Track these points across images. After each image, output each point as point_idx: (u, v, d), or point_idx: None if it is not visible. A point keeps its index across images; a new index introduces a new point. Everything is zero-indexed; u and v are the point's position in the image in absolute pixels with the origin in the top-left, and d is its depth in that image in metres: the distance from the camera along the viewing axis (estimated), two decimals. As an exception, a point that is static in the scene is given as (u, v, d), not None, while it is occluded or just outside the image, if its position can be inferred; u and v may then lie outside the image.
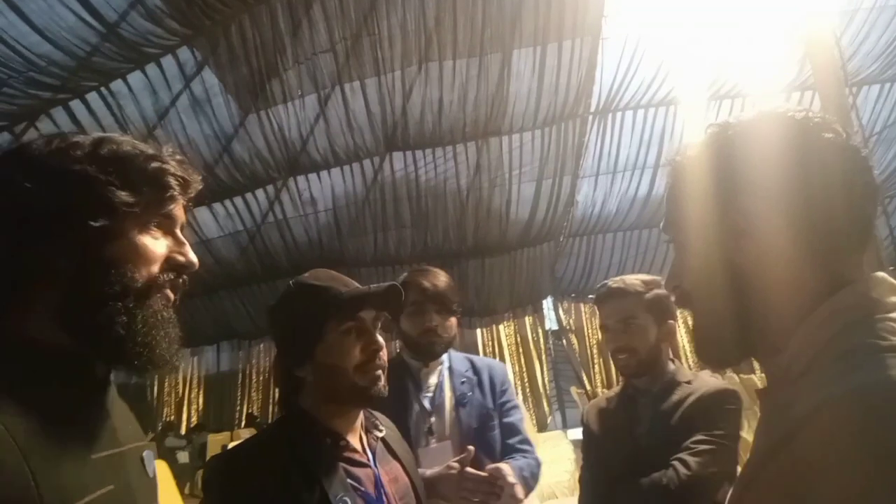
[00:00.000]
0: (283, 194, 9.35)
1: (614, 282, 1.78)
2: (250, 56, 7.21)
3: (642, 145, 9.79)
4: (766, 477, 0.62)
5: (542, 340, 11.49)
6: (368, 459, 1.37)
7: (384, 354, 1.34)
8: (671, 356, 1.80)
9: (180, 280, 0.88)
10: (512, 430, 1.98)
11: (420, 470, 1.58)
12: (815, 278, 0.66)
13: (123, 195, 0.79)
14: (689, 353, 9.89)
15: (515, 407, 2.03)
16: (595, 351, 11.48)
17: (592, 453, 1.82)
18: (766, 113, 0.72)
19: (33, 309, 0.76)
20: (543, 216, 9.90)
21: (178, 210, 0.87)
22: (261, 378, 12.36)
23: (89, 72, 6.51)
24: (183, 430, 11.32)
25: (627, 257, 11.17)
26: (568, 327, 11.60)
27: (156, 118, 7.49)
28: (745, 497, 0.66)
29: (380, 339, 1.34)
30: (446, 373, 2.01)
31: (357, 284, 1.36)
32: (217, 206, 9.21)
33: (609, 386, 10.64)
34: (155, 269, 0.83)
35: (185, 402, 12.28)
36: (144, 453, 0.88)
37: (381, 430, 1.44)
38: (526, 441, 1.97)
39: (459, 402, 1.95)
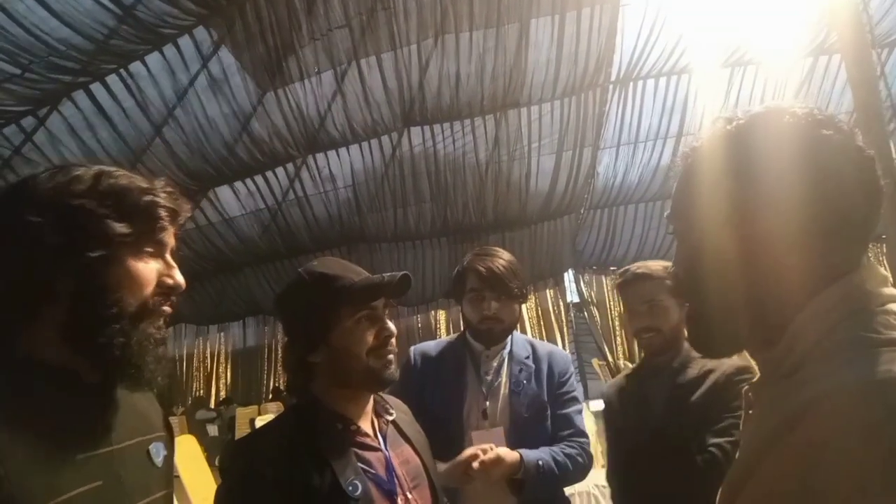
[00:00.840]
0: (303, 172, 9.37)
1: (638, 267, 1.89)
2: (266, 34, 7.18)
3: (664, 114, 9.57)
4: (763, 473, 0.62)
5: (563, 313, 11.49)
6: (379, 443, 1.41)
7: (394, 341, 1.39)
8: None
9: (170, 301, 0.98)
10: (565, 421, 1.96)
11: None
12: (809, 273, 0.66)
13: (119, 227, 0.89)
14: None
15: (573, 399, 2.00)
16: (617, 323, 11.44)
17: (616, 428, 1.92)
18: (772, 108, 0.72)
19: (37, 328, 0.87)
20: (564, 188, 9.80)
21: (167, 237, 0.98)
22: (286, 353, 12.55)
23: (108, 55, 6.55)
24: (212, 404, 11.62)
25: (650, 228, 11.03)
26: (589, 300, 11.57)
27: (175, 99, 7.52)
28: (741, 492, 0.66)
29: (391, 325, 1.39)
30: (506, 357, 2.01)
31: (367, 273, 1.39)
32: (238, 185, 9.28)
33: (631, 357, 10.64)
34: (147, 292, 0.93)
35: (214, 376, 12.57)
36: (151, 446, 0.99)
37: (391, 414, 1.47)
38: (578, 433, 1.94)
39: (514, 389, 1.95)
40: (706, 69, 8.50)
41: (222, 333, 12.67)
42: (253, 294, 11.46)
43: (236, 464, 1.31)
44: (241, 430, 8.58)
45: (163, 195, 0.97)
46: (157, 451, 1.00)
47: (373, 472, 1.35)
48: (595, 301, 11.54)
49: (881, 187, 0.67)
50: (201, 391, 12.47)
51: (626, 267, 1.95)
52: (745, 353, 0.85)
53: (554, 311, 11.33)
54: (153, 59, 7.02)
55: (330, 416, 1.36)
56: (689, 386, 1.75)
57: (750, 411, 0.78)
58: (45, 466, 0.80)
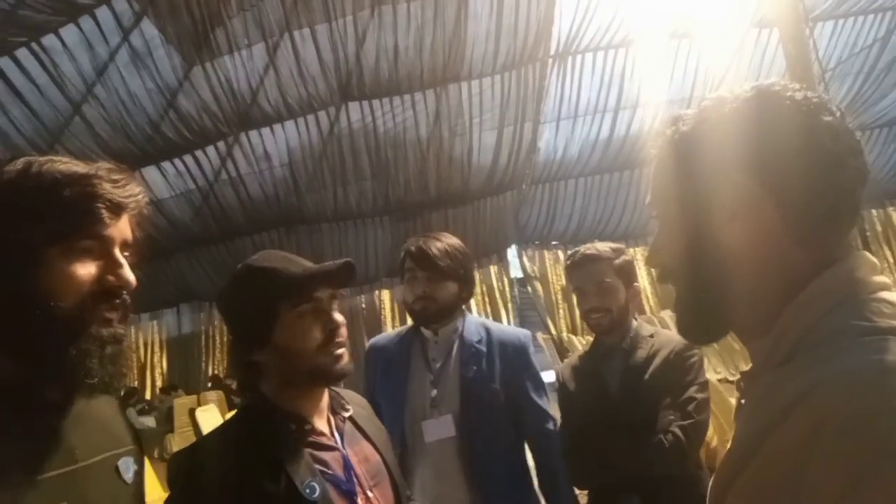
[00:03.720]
0: (236, 150, 9.02)
1: (587, 248, 1.91)
2: (191, 4, 6.80)
3: (602, 88, 9.71)
4: (757, 463, 0.61)
5: (507, 289, 11.59)
6: (336, 442, 1.33)
7: (344, 332, 1.30)
8: (635, 315, 1.96)
9: (118, 300, 0.90)
10: (531, 408, 1.91)
11: None
12: (802, 260, 0.66)
13: (44, 227, 0.82)
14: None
15: (532, 383, 1.94)
16: (559, 297, 11.64)
17: (571, 409, 1.91)
18: (763, 91, 0.70)
19: None
20: (506, 164, 9.81)
21: (112, 230, 0.88)
22: (224, 339, 12.26)
23: (16, 26, 6.05)
24: (148, 395, 11.20)
25: (590, 202, 11.24)
26: (532, 274, 11.70)
27: (94, 75, 7.04)
28: (735, 481, 0.64)
29: (338, 316, 1.30)
30: (457, 342, 1.94)
31: (310, 264, 1.29)
32: (166, 165, 8.84)
33: (574, 331, 10.87)
34: (84, 295, 0.85)
35: (149, 367, 12.10)
36: (120, 461, 0.93)
37: (347, 410, 1.38)
38: (541, 419, 1.91)
39: (464, 375, 1.88)
40: (644, 42, 8.61)
41: (155, 321, 12.18)
42: (187, 279, 11.05)
43: (183, 474, 1.20)
44: (181, 421, 8.33)
45: (106, 184, 0.88)
46: (127, 467, 0.94)
47: (330, 472, 1.27)
48: (538, 276, 11.67)
49: (868, 171, 0.68)
50: (135, 381, 11.98)
51: (576, 249, 1.96)
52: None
53: (498, 287, 11.40)
54: (69, 31, 6.54)
55: (282, 416, 1.27)
56: (642, 365, 1.80)
57: (742, 401, 0.75)
58: (5, 489, 0.76)
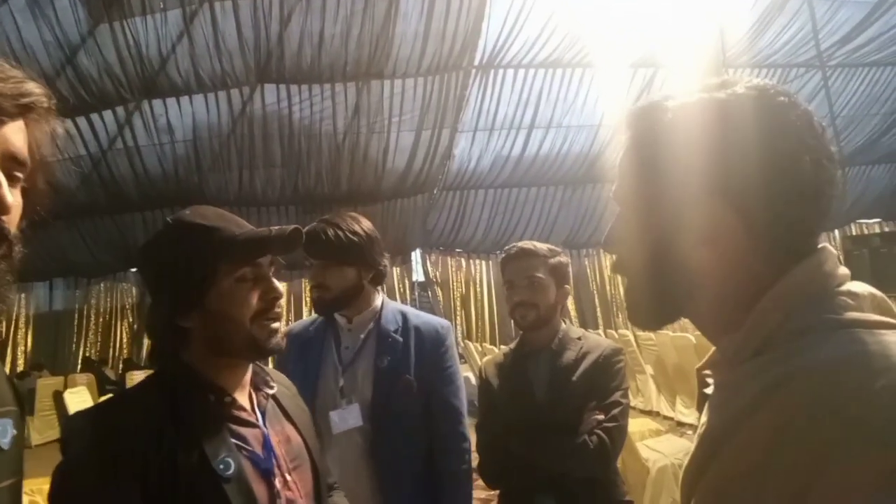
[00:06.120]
0: (136, 118, 8.43)
1: (524, 244, 1.93)
2: (104, -46, 6.30)
3: (520, 105, 9.97)
4: (726, 454, 0.61)
5: (407, 291, 11.58)
6: (257, 419, 1.23)
7: (282, 303, 1.21)
8: (564, 318, 1.97)
9: None
10: (441, 404, 1.84)
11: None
12: (770, 257, 0.66)
13: None
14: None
15: (448, 376, 1.87)
16: (458, 303, 11.78)
17: (492, 406, 1.89)
18: (756, 87, 0.68)
19: None
20: (420, 167, 9.83)
21: None
22: (100, 320, 11.40)
23: None
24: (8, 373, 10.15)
25: (496, 214, 11.48)
26: (434, 279, 11.77)
27: (-21, 14, 6.35)
28: (705, 473, 0.64)
29: (278, 286, 1.21)
30: (373, 330, 1.86)
31: (250, 226, 1.20)
32: (55, 125, 8.09)
33: (469, 336, 11.03)
34: None
35: (11, 343, 10.99)
36: None
37: (271, 388, 1.29)
38: (454, 421, 1.83)
39: (377, 364, 1.81)
40: (565, 65, 8.94)
41: (23, 294, 11.08)
42: (65, 251, 10.15)
43: (83, 438, 1.06)
44: (42, 404, 7.66)
45: None
46: (4, 431, 0.79)
47: (249, 449, 1.17)
48: (439, 281, 11.76)
49: (836, 162, 0.68)
50: (-8, 359, 10.86)
51: (514, 244, 1.96)
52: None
53: (399, 289, 11.37)
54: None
55: (201, 385, 1.16)
56: (570, 366, 1.81)
57: (706, 390, 0.77)
58: None
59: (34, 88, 0.73)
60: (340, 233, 1.79)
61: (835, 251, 0.68)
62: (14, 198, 0.71)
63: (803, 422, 0.53)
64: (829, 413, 0.52)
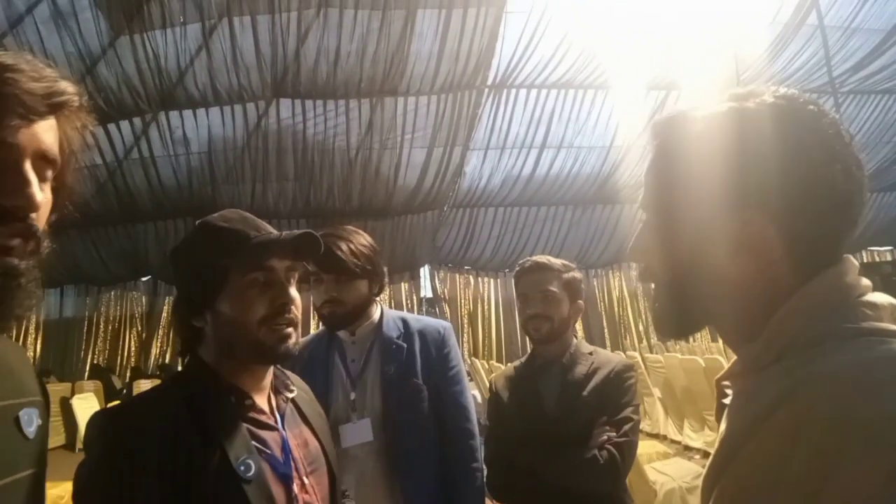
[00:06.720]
0: (152, 129, 8.54)
1: (538, 258, 1.94)
2: (128, -31, 6.43)
3: (532, 125, 10.03)
4: (743, 458, 0.61)
5: (415, 307, 11.59)
6: (276, 422, 1.23)
7: (295, 309, 1.19)
8: (575, 333, 1.97)
9: (21, 225, 0.69)
10: (452, 406, 1.85)
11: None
12: (798, 266, 0.66)
13: None
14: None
15: (454, 376, 1.86)
16: (466, 320, 11.76)
17: (501, 418, 1.89)
18: (783, 95, 0.69)
19: None
20: (431, 184, 9.88)
21: (21, 136, 0.68)
22: (109, 328, 11.45)
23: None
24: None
25: (505, 232, 11.50)
26: (442, 296, 11.77)
27: (6, 25, 6.47)
28: (722, 476, 0.65)
29: (292, 292, 1.19)
30: (376, 340, 1.86)
31: (272, 230, 1.20)
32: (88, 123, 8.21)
33: (476, 353, 10.98)
34: None
35: (19, 348, 11.05)
36: (22, 412, 0.76)
37: (291, 391, 1.30)
38: (462, 419, 1.82)
39: (385, 374, 1.80)
40: (577, 86, 9.01)
41: (34, 300, 11.16)
42: (77, 260, 10.23)
43: (105, 437, 1.07)
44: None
45: (25, 78, 0.68)
46: (30, 420, 0.78)
47: (268, 452, 1.17)
48: (447, 297, 11.77)
49: (863, 176, 0.67)
50: (0, 364, 10.87)
51: (528, 257, 1.97)
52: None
53: (407, 304, 11.38)
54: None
55: (222, 386, 1.16)
56: (581, 381, 1.80)
57: (725, 401, 0.75)
58: None
59: (67, 87, 0.72)
60: (353, 247, 1.80)
61: (856, 262, 0.67)
62: (44, 195, 0.72)
63: (816, 426, 0.54)
64: (841, 417, 0.53)
